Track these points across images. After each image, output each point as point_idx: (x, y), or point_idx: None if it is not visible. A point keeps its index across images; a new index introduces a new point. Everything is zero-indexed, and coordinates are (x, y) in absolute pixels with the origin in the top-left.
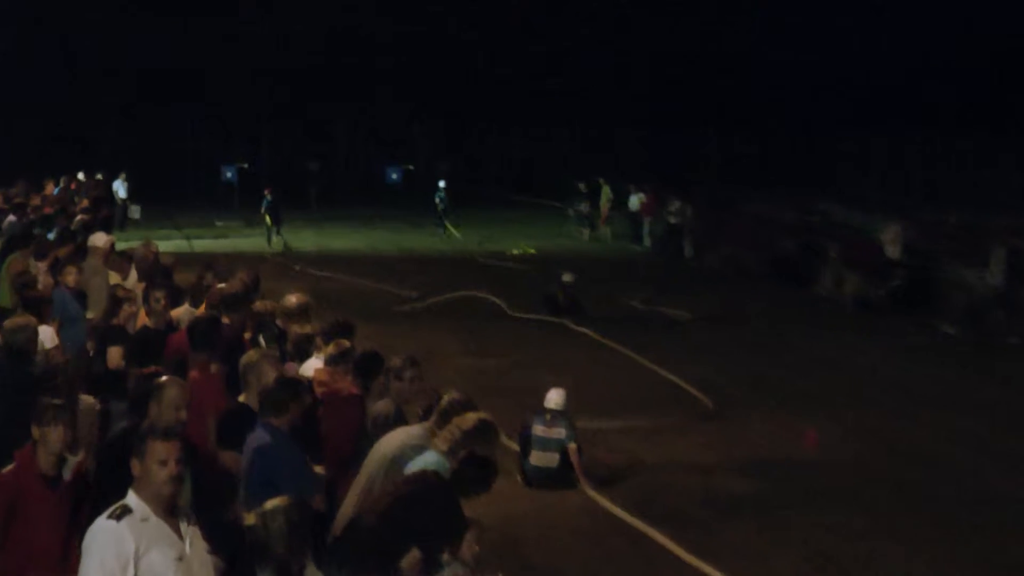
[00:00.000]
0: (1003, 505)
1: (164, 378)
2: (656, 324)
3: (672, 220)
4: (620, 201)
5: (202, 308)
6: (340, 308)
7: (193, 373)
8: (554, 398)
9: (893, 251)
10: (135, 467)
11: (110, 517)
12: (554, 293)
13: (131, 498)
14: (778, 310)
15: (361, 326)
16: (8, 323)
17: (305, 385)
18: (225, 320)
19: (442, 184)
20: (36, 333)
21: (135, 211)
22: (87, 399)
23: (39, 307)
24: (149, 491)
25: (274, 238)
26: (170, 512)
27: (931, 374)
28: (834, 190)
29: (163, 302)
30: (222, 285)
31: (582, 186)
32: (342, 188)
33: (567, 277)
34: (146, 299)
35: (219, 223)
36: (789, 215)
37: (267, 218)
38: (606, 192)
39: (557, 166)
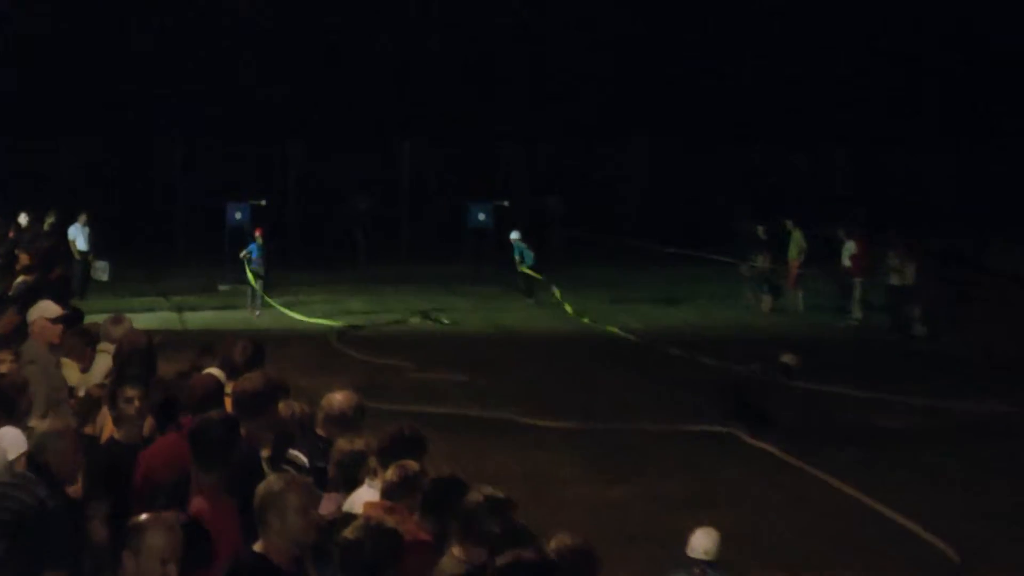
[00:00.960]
0: None
1: (144, 517)
2: (871, 438)
3: (895, 281)
4: (819, 251)
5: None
6: (404, 413)
7: (197, 502)
8: (701, 543)
9: None
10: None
11: None
12: (746, 383)
13: None
14: None
15: (435, 440)
16: None
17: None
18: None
19: (515, 236)
20: None
21: (101, 269)
22: None
23: None
24: None
25: (256, 302)
26: None
27: None
28: None
29: (138, 404)
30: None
31: (760, 230)
32: (404, 234)
33: (788, 358)
34: (113, 400)
35: (224, 287)
36: None
37: (249, 272)
38: (796, 239)
39: (715, 198)
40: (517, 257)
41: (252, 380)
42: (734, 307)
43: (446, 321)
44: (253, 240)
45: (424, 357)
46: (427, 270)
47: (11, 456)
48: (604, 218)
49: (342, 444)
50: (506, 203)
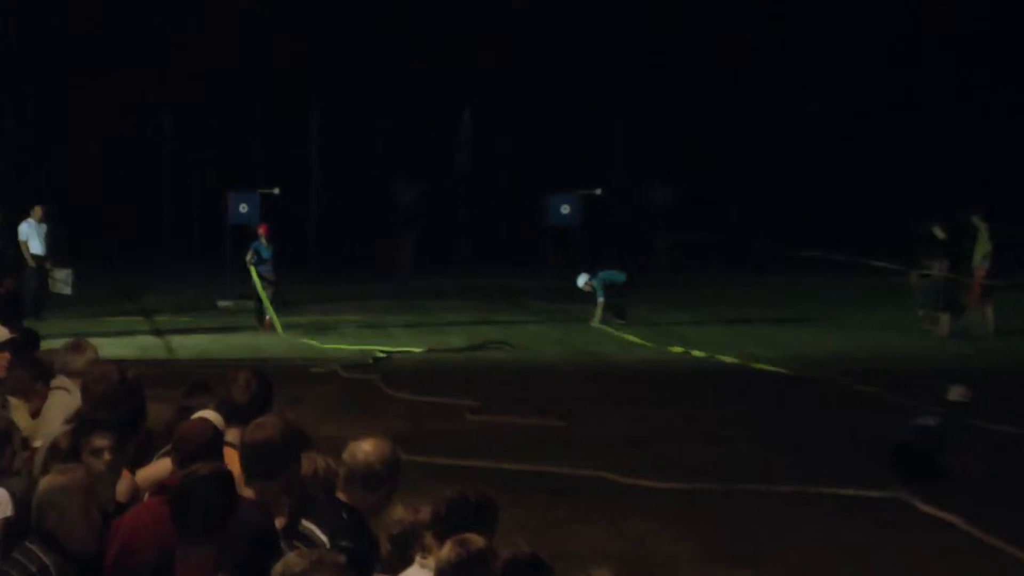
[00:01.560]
0: None
1: None
2: None
3: None
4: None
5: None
6: (462, 470)
7: None
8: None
9: None
10: None
11: None
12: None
13: None
14: None
15: (505, 506)
16: None
17: None
18: (247, 492)
19: (583, 282)
20: None
21: (63, 280)
22: None
23: None
24: None
25: (269, 315)
26: None
27: None
28: None
29: (108, 457)
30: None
31: (937, 230)
32: (461, 233)
33: (957, 393)
34: (77, 452)
35: (224, 303)
36: None
37: (256, 278)
38: (983, 239)
39: (875, 192)
40: (602, 296)
41: (265, 427)
42: (900, 329)
43: (514, 347)
44: (257, 238)
45: (487, 394)
46: (491, 281)
47: None
48: (721, 214)
49: (401, 513)
50: (598, 191)
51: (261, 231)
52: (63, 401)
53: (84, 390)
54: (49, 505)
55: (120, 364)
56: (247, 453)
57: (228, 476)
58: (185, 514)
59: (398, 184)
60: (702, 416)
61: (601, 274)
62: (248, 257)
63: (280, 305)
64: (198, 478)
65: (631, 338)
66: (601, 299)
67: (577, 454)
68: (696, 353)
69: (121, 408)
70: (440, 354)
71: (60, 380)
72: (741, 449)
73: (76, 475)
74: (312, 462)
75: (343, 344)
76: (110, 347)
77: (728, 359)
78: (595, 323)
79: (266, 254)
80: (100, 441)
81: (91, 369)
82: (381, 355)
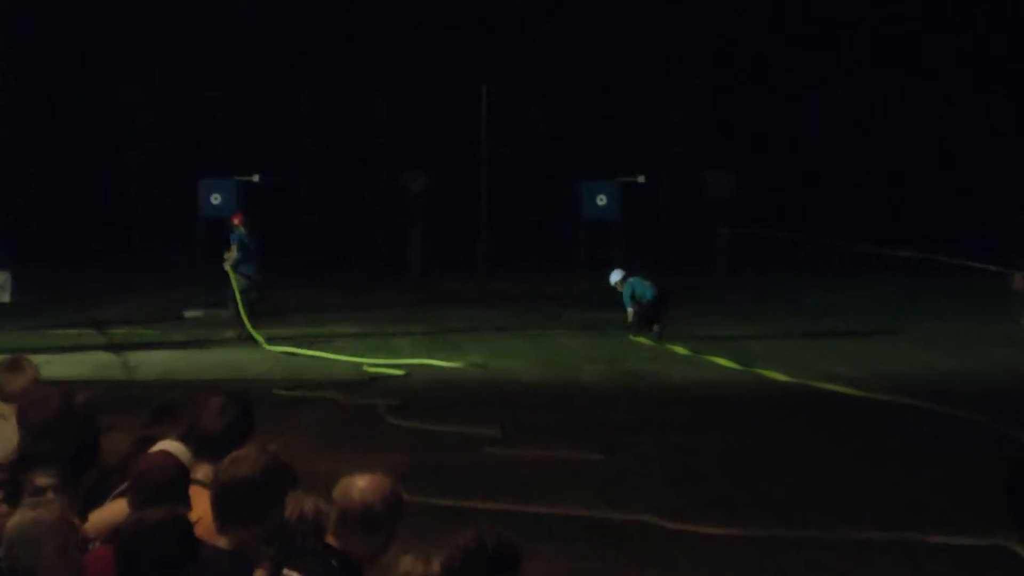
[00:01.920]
0: None
1: None
2: None
3: None
4: None
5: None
6: (481, 513)
7: None
8: None
9: None
10: None
11: None
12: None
13: None
14: None
15: (532, 556)
16: None
17: None
18: (221, 541)
19: (616, 279)
20: None
21: (1, 286)
22: None
23: None
24: None
25: (243, 319)
26: None
27: None
28: None
29: (53, 497)
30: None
31: None
32: (481, 229)
33: None
34: (12, 490)
35: (193, 313)
36: None
37: (233, 277)
38: None
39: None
40: (630, 306)
41: (243, 463)
42: (1000, 341)
43: (536, 365)
44: (232, 229)
45: (510, 422)
46: (515, 284)
47: None
48: (794, 207)
49: (409, 564)
50: (640, 179)
51: (236, 220)
52: None
53: (22, 417)
54: (22, 543)
55: (67, 387)
56: (221, 494)
57: (185, 524)
58: (131, 570)
59: (407, 174)
60: (764, 447)
61: (631, 279)
62: (229, 255)
63: (261, 313)
64: (147, 527)
65: (681, 351)
66: (629, 309)
67: (617, 493)
68: (758, 371)
69: (67, 439)
70: (454, 372)
71: None
72: (809, 487)
73: (51, 509)
74: (298, 502)
75: (338, 356)
76: (57, 366)
77: (795, 379)
78: (632, 335)
79: (251, 246)
80: (43, 479)
81: (30, 392)
82: (382, 372)
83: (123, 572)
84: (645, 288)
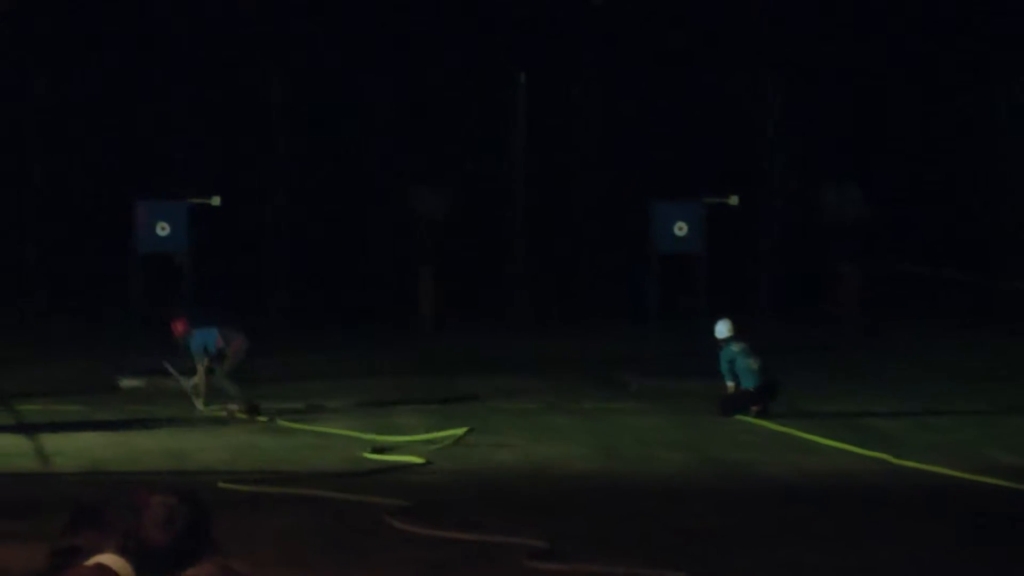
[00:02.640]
0: None
1: None
2: None
3: None
4: None
5: None
6: None
7: None
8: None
9: None
10: None
11: None
12: None
13: None
14: None
15: None
16: None
17: None
18: None
19: (724, 331)
20: None
21: None
22: None
23: None
24: None
25: (195, 382)
26: None
27: None
28: None
29: None
30: None
31: None
32: (515, 264)
33: None
34: None
35: (129, 383)
36: None
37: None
38: None
39: None
40: (729, 379)
41: None
42: None
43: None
44: (178, 341)
45: (557, 529)
46: (561, 342)
47: None
48: (951, 234)
49: None
50: (734, 199)
51: (180, 330)
52: None
53: None
54: None
55: None
56: None
57: None
58: None
59: (418, 191)
60: (909, 564)
61: (735, 346)
62: (197, 377)
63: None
64: None
65: (790, 432)
66: (729, 382)
67: None
68: (901, 462)
69: None
70: (481, 459)
71: None
72: None
73: None
74: None
75: (351, 433)
76: None
77: (947, 470)
78: (725, 413)
79: (210, 346)
80: None
81: None
82: (391, 460)
83: None
84: (748, 369)
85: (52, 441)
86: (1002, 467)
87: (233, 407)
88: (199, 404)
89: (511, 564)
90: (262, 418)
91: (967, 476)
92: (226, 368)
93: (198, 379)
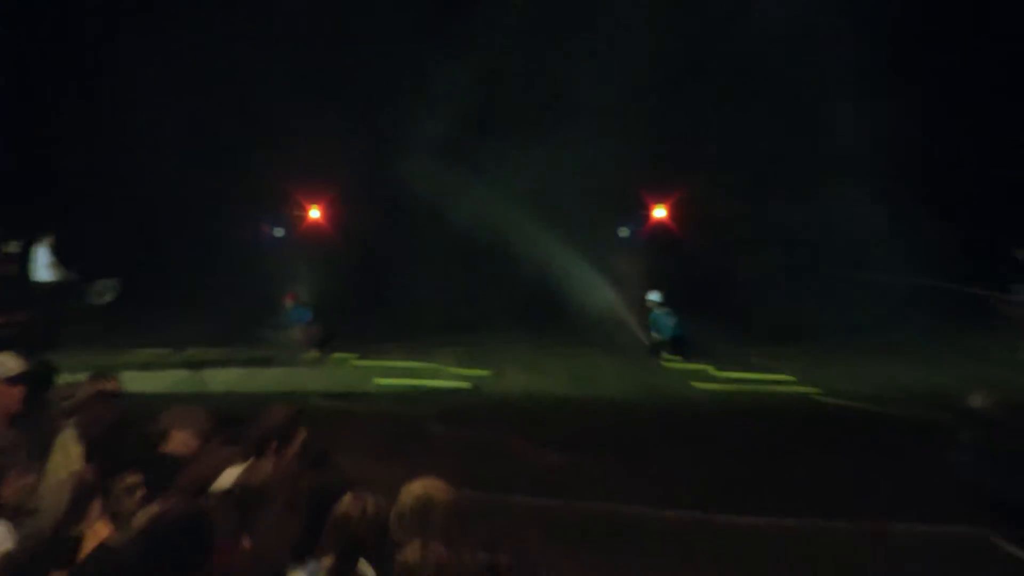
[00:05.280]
0: None
1: None
2: None
3: None
4: None
5: None
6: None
7: None
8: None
9: None
10: None
11: None
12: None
13: None
14: None
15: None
16: None
17: None
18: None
19: (655, 298)
20: None
21: (104, 289)
22: None
23: None
24: None
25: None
26: None
27: None
28: None
29: (141, 494)
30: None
31: (1021, 254)
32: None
33: (979, 401)
34: (105, 491)
35: (264, 334)
36: None
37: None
38: None
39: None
40: (654, 332)
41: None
42: (993, 360)
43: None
44: (286, 305)
45: (546, 430)
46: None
47: None
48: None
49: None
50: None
51: (289, 300)
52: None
53: (92, 426)
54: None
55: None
56: (294, 496)
57: (202, 520)
58: (155, 558)
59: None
60: (758, 452)
61: (657, 310)
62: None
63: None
64: (169, 518)
65: (691, 366)
66: (654, 334)
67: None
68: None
69: (145, 445)
70: (501, 389)
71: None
72: (815, 485)
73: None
74: (362, 503)
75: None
76: (138, 381)
77: (799, 389)
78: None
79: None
80: (132, 479)
81: (101, 403)
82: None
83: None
84: (667, 325)
85: (209, 375)
86: (836, 390)
87: (316, 353)
88: (301, 352)
89: (523, 456)
90: (338, 355)
91: (807, 390)
92: (312, 331)
93: (300, 334)
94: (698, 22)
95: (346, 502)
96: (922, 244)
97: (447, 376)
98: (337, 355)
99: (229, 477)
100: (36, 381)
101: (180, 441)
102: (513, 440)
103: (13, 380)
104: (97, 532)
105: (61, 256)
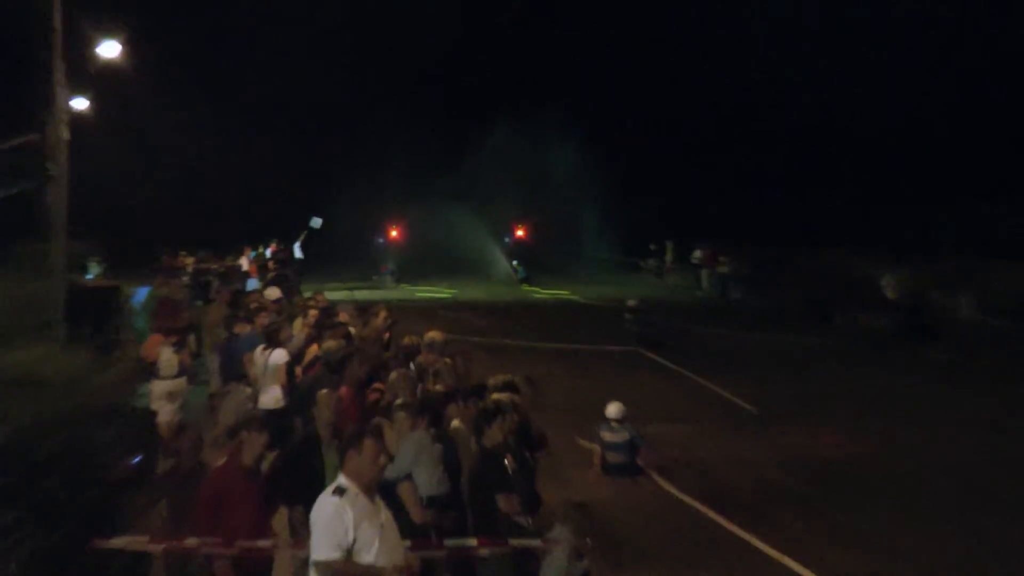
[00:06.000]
0: (988, 491)
1: (376, 423)
2: (710, 350)
3: (723, 270)
4: (684, 256)
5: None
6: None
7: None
8: (612, 411)
9: (892, 294)
10: (352, 457)
11: (333, 494)
12: (633, 323)
13: (343, 480)
14: (808, 340)
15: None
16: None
17: None
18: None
19: (516, 262)
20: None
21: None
22: (244, 389)
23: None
24: (359, 475)
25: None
26: (369, 491)
27: (924, 390)
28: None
29: (384, 322)
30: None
31: (652, 246)
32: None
33: (632, 302)
34: (319, 334)
35: (376, 277)
36: (815, 266)
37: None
38: (670, 249)
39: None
40: (520, 276)
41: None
42: (641, 284)
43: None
44: (383, 269)
45: (483, 311)
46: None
47: (280, 361)
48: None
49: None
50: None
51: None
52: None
53: (316, 311)
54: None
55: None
56: (426, 344)
57: (347, 356)
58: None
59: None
60: (547, 322)
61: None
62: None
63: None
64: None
65: (538, 289)
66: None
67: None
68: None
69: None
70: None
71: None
72: (566, 325)
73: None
74: (413, 339)
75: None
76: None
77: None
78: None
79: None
80: (334, 332)
81: (317, 303)
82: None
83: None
84: (520, 267)
85: (356, 293)
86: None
87: (395, 285)
88: (390, 286)
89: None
90: (405, 286)
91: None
92: (393, 279)
93: (389, 280)
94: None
95: (408, 338)
96: (619, 235)
97: (445, 292)
98: (404, 286)
99: (369, 329)
100: (288, 297)
101: (344, 315)
102: (467, 314)
103: (275, 302)
104: (311, 351)
105: (305, 248)
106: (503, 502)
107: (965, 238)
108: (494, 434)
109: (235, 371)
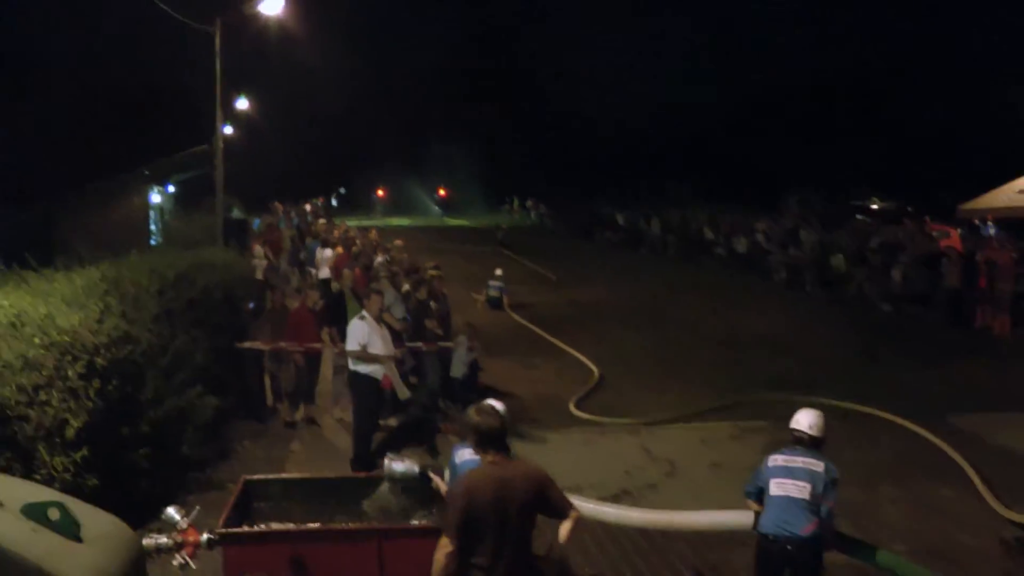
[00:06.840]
0: (654, 315)
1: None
2: (535, 249)
3: (539, 211)
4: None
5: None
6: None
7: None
8: (496, 274)
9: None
10: (367, 303)
11: (359, 319)
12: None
13: (363, 312)
14: (586, 244)
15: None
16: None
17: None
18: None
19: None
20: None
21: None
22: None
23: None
24: (370, 310)
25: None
26: (376, 318)
27: (646, 263)
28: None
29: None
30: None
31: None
32: None
33: (502, 225)
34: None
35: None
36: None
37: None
38: (515, 201)
39: None
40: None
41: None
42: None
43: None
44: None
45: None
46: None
47: (328, 255)
48: None
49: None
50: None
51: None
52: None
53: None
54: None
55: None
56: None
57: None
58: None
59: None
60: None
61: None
62: None
63: None
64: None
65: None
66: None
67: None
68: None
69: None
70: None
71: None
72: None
73: None
74: (389, 244)
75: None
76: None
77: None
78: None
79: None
80: (397, 242)
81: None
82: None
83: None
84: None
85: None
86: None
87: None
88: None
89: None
90: (388, 218)
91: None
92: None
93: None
94: None
95: (389, 244)
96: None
97: (405, 221)
98: (387, 218)
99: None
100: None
101: (354, 234)
102: (415, 232)
103: (326, 228)
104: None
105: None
106: (430, 324)
107: None
108: (423, 292)
109: (309, 260)
